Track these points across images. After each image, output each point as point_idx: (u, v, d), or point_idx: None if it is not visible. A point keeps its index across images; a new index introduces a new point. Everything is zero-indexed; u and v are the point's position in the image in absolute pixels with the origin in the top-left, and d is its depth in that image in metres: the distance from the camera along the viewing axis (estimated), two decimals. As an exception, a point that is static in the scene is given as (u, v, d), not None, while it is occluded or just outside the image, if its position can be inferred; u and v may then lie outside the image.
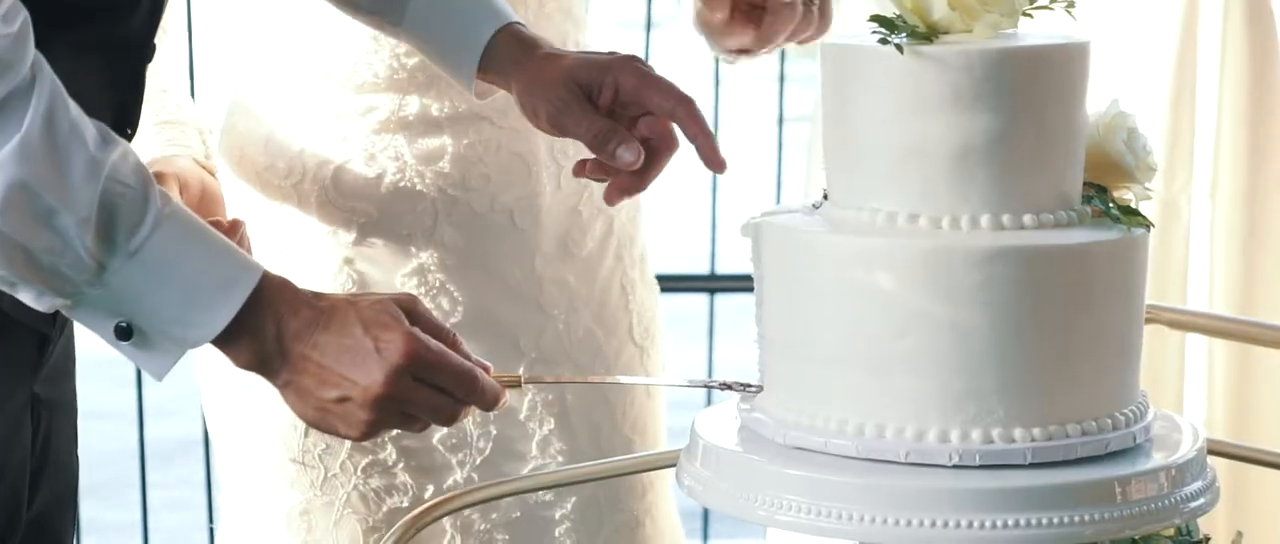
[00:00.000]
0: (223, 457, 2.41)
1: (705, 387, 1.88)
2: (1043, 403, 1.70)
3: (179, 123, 2.30)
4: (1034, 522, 1.66)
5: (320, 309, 1.71)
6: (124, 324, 1.67)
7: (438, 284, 2.27)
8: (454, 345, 1.77)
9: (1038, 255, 1.69)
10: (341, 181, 2.26)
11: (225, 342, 1.70)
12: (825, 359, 1.73)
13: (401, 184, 2.26)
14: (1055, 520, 1.66)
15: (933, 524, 1.65)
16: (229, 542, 2.41)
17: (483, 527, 2.30)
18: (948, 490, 1.66)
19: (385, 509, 2.29)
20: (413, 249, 2.27)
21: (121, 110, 1.84)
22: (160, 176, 2.20)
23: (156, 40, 1.87)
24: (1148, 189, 1.84)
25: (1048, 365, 1.70)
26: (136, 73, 1.85)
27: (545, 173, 2.31)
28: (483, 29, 1.96)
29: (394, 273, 2.27)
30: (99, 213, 1.63)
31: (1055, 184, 1.75)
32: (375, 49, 2.23)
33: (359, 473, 2.29)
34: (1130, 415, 1.74)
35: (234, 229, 2.23)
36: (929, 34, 1.73)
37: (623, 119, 1.92)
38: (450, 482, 2.29)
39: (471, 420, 2.30)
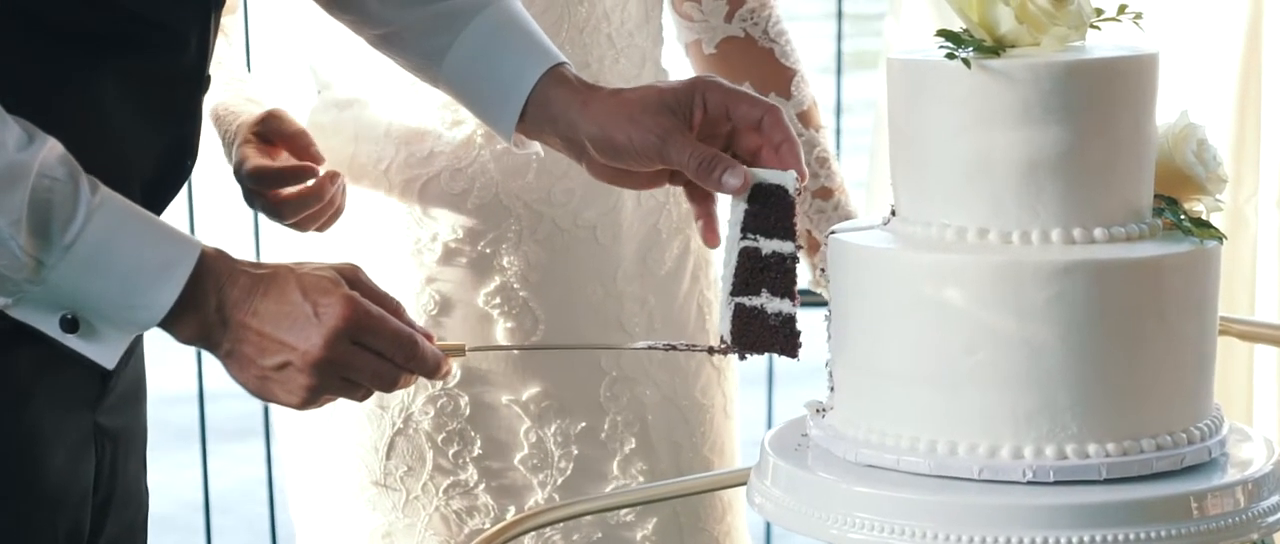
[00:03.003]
0: (297, 481, 2.41)
1: (672, 349, 1.92)
2: (1116, 418, 1.68)
3: (259, 103, 2.31)
4: (1109, 538, 1.64)
5: (258, 276, 1.71)
6: (69, 317, 1.68)
7: (521, 302, 2.27)
8: (396, 313, 1.76)
9: (1109, 269, 1.68)
10: (428, 198, 2.27)
11: (169, 320, 1.69)
12: (896, 376, 1.72)
13: (487, 200, 2.27)
14: (1130, 537, 1.64)
15: (1007, 541, 1.64)
16: None
17: None
18: (1022, 507, 1.65)
19: (467, 530, 2.29)
20: (496, 266, 2.27)
21: (180, 142, 1.84)
22: (273, 114, 2.21)
23: (211, 71, 1.87)
24: (1219, 200, 1.83)
25: (1121, 380, 1.68)
26: (192, 104, 1.85)
27: (627, 194, 2.31)
28: (529, 71, 1.92)
29: (477, 291, 2.27)
30: (30, 211, 1.63)
31: (1126, 197, 1.74)
32: None
33: (441, 494, 2.29)
34: (1205, 429, 1.73)
35: (332, 180, 2.22)
36: (996, 47, 1.72)
37: (714, 141, 1.89)
38: (531, 502, 2.29)
39: (553, 441, 2.30)
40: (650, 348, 1.95)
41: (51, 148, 1.66)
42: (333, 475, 2.34)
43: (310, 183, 2.21)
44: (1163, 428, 1.70)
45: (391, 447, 2.29)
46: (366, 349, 1.72)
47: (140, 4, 1.75)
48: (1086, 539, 1.64)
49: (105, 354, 1.70)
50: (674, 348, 1.91)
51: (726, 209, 1.89)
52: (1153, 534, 1.65)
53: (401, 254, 2.28)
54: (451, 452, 2.29)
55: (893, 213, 1.80)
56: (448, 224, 2.26)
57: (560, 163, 2.26)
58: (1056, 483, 1.67)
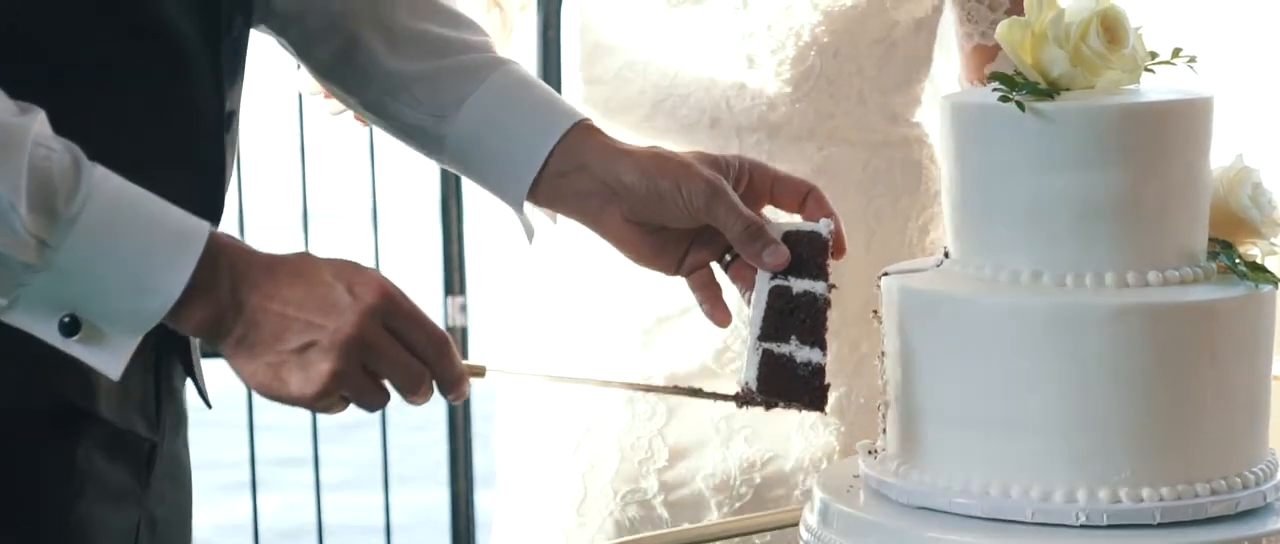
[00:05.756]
0: (506, 465, 2.42)
1: (696, 395, 1.80)
2: (1171, 462, 1.68)
3: None
4: (1163, 582, 1.64)
5: (278, 259, 1.58)
6: (68, 318, 1.53)
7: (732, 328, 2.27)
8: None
9: (1163, 313, 1.68)
10: None
11: (179, 307, 1.54)
12: (949, 418, 1.72)
13: None
14: (1184, 580, 1.64)
15: (1060, 584, 1.64)
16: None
17: None
18: (1075, 551, 1.65)
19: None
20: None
21: (204, 193, 1.70)
22: None
23: (238, 108, 1.75)
24: (1274, 244, 1.83)
25: (1175, 423, 1.68)
26: (213, 149, 1.71)
27: (854, 239, 2.30)
28: (556, 124, 1.81)
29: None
30: (30, 182, 1.49)
31: (1180, 240, 1.74)
32: (708, 88, 2.27)
33: (618, 499, 2.30)
34: (1260, 474, 1.72)
35: None
36: (1050, 91, 1.73)
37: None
38: (707, 520, 2.29)
39: (737, 465, 2.30)
40: (675, 391, 1.85)
41: (44, 120, 1.52)
42: (532, 464, 2.35)
43: None
44: (1217, 472, 1.70)
45: (578, 444, 2.31)
46: (397, 338, 1.58)
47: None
48: (1140, 583, 1.64)
49: (110, 361, 1.55)
50: (698, 393, 1.81)
51: (731, 294, 1.84)
52: (1207, 578, 1.64)
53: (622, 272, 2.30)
54: (638, 459, 2.30)
55: (946, 254, 1.80)
56: None
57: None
58: (1110, 526, 1.67)
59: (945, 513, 1.71)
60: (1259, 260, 1.79)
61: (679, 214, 1.78)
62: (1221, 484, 1.69)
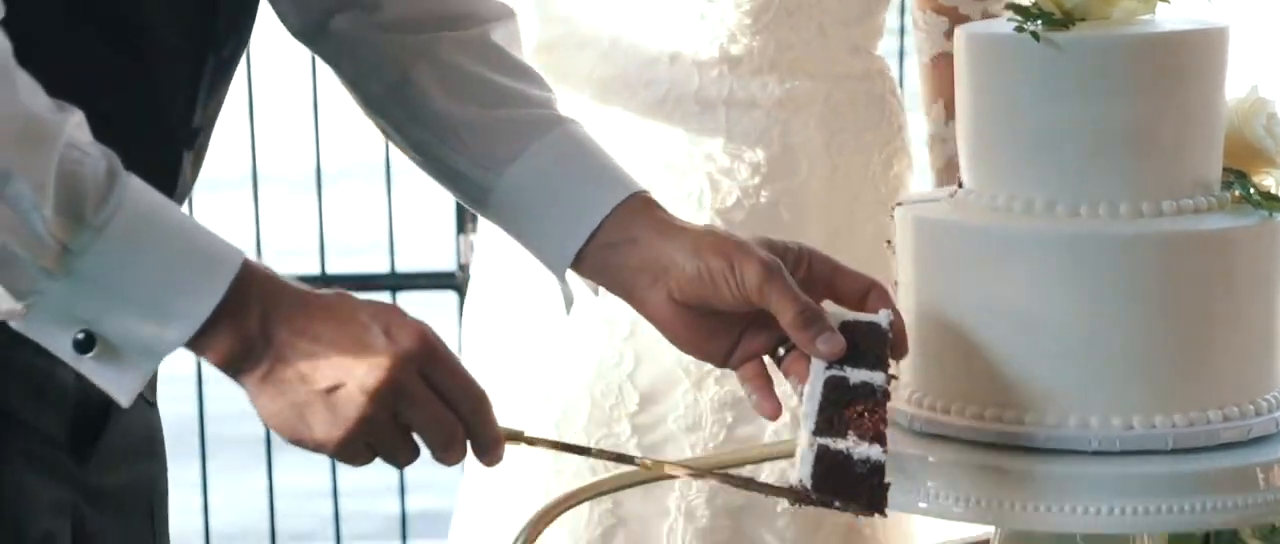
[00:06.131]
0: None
1: (747, 486, 1.70)
2: (1183, 389, 1.69)
3: None
4: (1176, 508, 1.65)
5: (313, 294, 1.50)
6: (83, 335, 1.44)
7: None
8: None
9: (1177, 242, 1.69)
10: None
11: (204, 332, 1.46)
12: (962, 346, 1.73)
13: (671, 162, 2.27)
14: (1197, 507, 1.65)
15: (1073, 511, 1.65)
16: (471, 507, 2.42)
17: (705, 512, 2.31)
18: (1088, 476, 1.66)
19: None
20: None
21: None
22: None
23: (210, 125, 1.67)
24: (1288, 174, 1.84)
25: (1188, 352, 1.69)
26: (167, 163, 1.62)
27: (816, 173, 2.30)
28: (610, 193, 1.71)
29: None
30: (58, 183, 1.41)
31: (1194, 170, 1.74)
32: (667, 21, 2.25)
33: (592, 445, 2.29)
34: (1273, 401, 1.73)
35: None
36: (1065, 21, 1.73)
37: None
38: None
39: (708, 405, 2.30)
40: (723, 478, 1.72)
41: (80, 123, 1.44)
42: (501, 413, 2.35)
43: None
44: (1230, 399, 1.71)
45: (549, 394, 2.31)
46: (433, 389, 1.50)
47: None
48: (1152, 509, 1.65)
49: (122, 383, 1.46)
50: (750, 485, 1.72)
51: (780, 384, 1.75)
52: (1219, 505, 1.65)
53: None
54: (609, 404, 2.30)
55: (960, 184, 1.81)
56: None
57: (749, 136, 2.26)
58: (1122, 453, 1.68)
59: (957, 440, 1.72)
60: (1273, 190, 1.79)
61: (730, 296, 1.66)
62: (1234, 411, 1.70)
